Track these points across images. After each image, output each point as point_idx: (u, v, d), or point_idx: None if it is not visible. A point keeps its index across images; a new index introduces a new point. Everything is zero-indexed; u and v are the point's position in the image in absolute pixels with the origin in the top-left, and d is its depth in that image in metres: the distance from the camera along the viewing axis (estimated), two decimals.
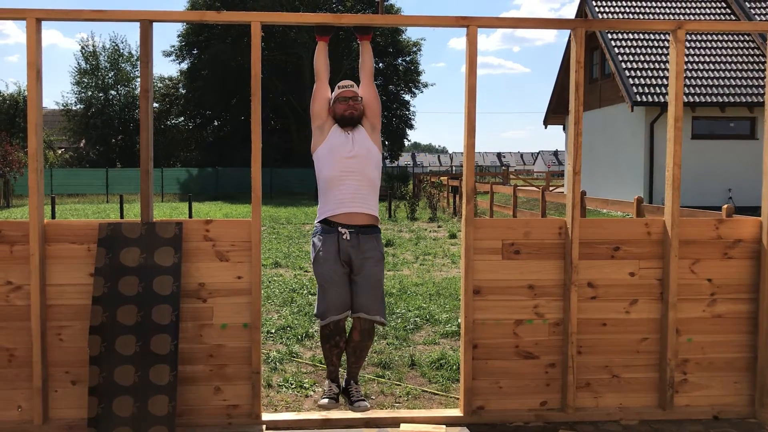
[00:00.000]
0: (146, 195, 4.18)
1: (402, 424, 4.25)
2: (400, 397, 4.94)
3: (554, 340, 4.40)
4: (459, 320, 6.48)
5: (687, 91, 19.83)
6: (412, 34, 44.28)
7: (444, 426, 4.27)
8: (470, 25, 4.20)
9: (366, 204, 4.02)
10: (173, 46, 42.91)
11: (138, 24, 4.09)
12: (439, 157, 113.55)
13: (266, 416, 4.33)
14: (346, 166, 4.01)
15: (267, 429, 4.20)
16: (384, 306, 4.07)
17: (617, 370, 4.43)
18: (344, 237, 3.96)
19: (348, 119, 4.11)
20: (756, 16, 22.04)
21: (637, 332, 4.43)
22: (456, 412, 4.42)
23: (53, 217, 17.73)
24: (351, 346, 4.10)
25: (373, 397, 4.92)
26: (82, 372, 4.11)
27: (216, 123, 44.66)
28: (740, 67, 20.82)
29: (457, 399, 4.77)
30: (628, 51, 21.31)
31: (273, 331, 6.68)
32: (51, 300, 4.14)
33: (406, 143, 50.43)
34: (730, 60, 21.09)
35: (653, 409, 4.43)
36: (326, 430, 4.21)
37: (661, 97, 19.59)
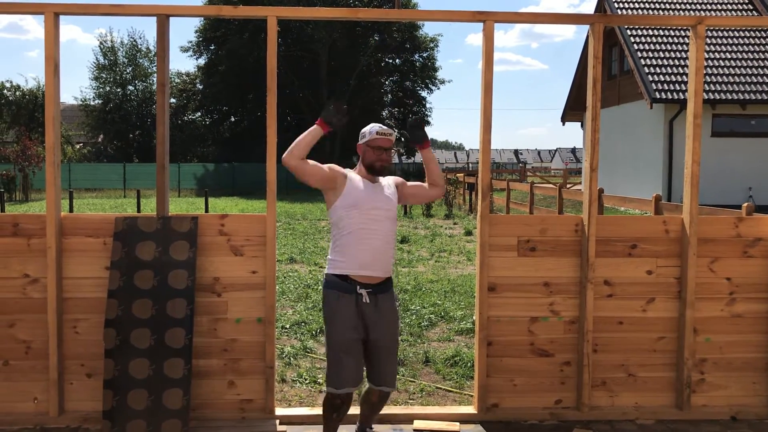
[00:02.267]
0: (162, 189, 4.19)
1: (416, 421, 4.24)
2: (414, 393, 4.92)
3: (570, 338, 4.36)
4: (474, 317, 6.45)
5: (707, 88, 19.59)
6: (429, 29, 44.15)
7: (458, 423, 4.25)
8: (487, 20, 4.17)
9: (386, 263, 3.68)
10: (190, 42, 43.20)
11: (155, 18, 4.11)
12: (455, 153, 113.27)
13: (280, 411, 4.34)
14: (370, 223, 3.62)
15: (281, 423, 4.20)
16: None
17: (633, 369, 4.39)
18: (364, 300, 3.60)
19: (377, 170, 3.72)
20: None
21: (654, 331, 4.38)
22: (470, 410, 4.40)
23: (71, 211, 17.90)
24: (368, 404, 3.84)
25: None
26: (98, 365, 4.14)
27: (233, 119, 44.89)
28: (762, 64, 20.53)
29: (472, 396, 4.75)
30: (647, 47, 21.10)
31: (287, 326, 6.69)
32: (67, 293, 4.17)
33: None
34: (751, 56, 20.81)
35: (670, 409, 4.39)
36: (340, 426, 4.20)
37: (680, 94, 19.38)
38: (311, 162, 3.64)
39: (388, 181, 3.86)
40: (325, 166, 3.68)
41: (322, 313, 3.73)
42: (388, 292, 3.70)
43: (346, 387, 3.58)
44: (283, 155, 3.60)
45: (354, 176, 3.73)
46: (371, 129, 3.74)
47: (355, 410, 3.92)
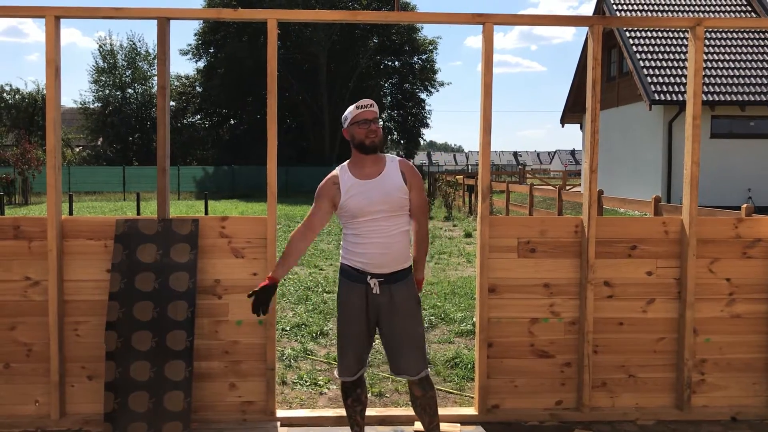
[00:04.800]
0: (163, 192, 4.20)
1: (416, 423, 4.24)
2: None
3: (570, 339, 4.37)
4: (474, 319, 6.46)
5: (706, 90, 19.62)
6: (428, 32, 44.21)
7: (459, 424, 4.25)
8: (486, 22, 4.18)
9: (397, 257, 3.52)
10: (190, 45, 43.23)
11: (155, 21, 4.12)
12: (454, 155, 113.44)
13: (281, 413, 4.34)
14: (371, 224, 3.49)
15: (282, 425, 4.21)
16: (425, 355, 3.61)
17: (634, 369, 4.40)
18: (374, 291, 3.50)
19: (369, 148, 3.48)
20: None
21: (654, 332, 4.39)
22: (471, 411, 4.41)
23: (71, 214, 17.90)
24: (418, 405, 3.64)
25: (388, 395, 4.91)
26: (99, 367, 4.15)
27: (232, 121, 44.93)
28: (761, 65, 20.56)
29: (472, 398, 4.76)
30: (646, 49, 21.13)
31: (288, 328, 6.69)
32: (68, 295, 4.17)
33: (422, 142, 50.41)
34: (750, 58, 20.84)
35: (670, 410, 4.40)
36: (341, 428, 4.21)
37: (679, 95, 19.40)
38: (312, 224, 3.56)
39: (395, 169, 3.56)
40: (319, 206, 3.54)
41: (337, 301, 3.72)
42: (402, 281, 3.54)
43: (344, 375, 3.62)
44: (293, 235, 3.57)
45: (347, 180, 3.51)
46: (350, 108, 3.55)
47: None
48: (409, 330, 3.55)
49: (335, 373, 3.72)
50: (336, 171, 3.60)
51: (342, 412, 4.35)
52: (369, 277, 3.50)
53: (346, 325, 3.58)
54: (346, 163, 3.62)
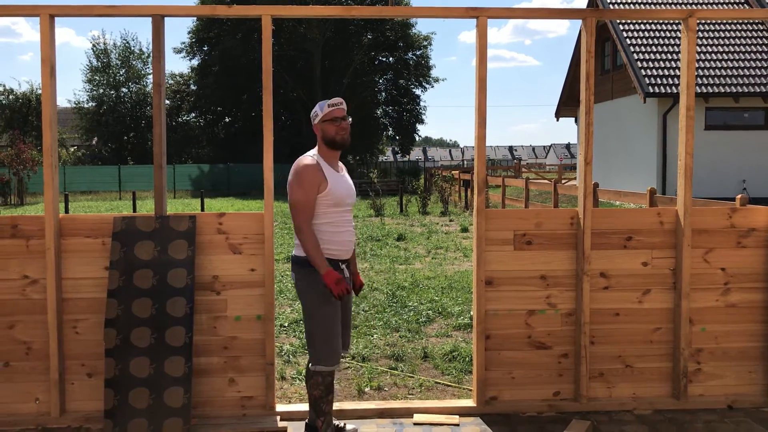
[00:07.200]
0: (160, 189, 4.22)
1: (415, 414, 4.27)
2: (414, 388, 4.95)
3: (567, 330, 4.40)
4: (471, 313, 6.49)
5: (700, 82, 19.66)
6: (422, 28, 44.34)
7: (457, 416, 4.28)
8: (480, 15, 4.20)
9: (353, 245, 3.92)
10: (184, 43, 43.09)
11: (150, 19, 4.12)
12: (450, 151, 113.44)
13: (280, 407, 4.37)
14: (344, 214, 3.78)
15: (281, 420, 4.23)
16: None
17: (630, 360, 4.43)
18: (345, 275, 3.80)
19: (339, 144, 3.74)
20: None
21: (650, 322, 4.42)
22: (469, 403, 4.44)
23: (67, 213, 17.87)
24: (330, 383, 3.86)
25: (386, 389, 4.94)
26: (98, 364, 4.16)
27: (227, 119, 44.81)
28: (754, 57, 20.61)
29: (470, 391, 4.79)
30: (640, 41, 21.16)
31: (286, 324, 6.71)
32: (67, 293, 4.19)
33: (417, 138, 50.31)
34: (743, 49, 20.89)
35: (667, 399, 4.43)
36: (340, 421, 4.23)
37: (673, 87, 19.44)
38: (312, 214, 3.69)
39: (345, 170, 3.93)
40: (313, 192, 3.65)
41: (307, 293, 3.73)
42: (349, 265, 3.92)
43: (335, 364, 3.76)
44: (304, 227, 3.64)
45: (326, 168, 3.71)
46: (321, 104, 3.75)
47: None
48: (351, 309, 4.01)
49: (319, 367, 3.71)
50: (313, 158, 3.73)
51: (341, 405, 4.38)
52: (340, 263, 3.77)
53: (336, 310, 3.72)
54: (315, 153, 3.78)
